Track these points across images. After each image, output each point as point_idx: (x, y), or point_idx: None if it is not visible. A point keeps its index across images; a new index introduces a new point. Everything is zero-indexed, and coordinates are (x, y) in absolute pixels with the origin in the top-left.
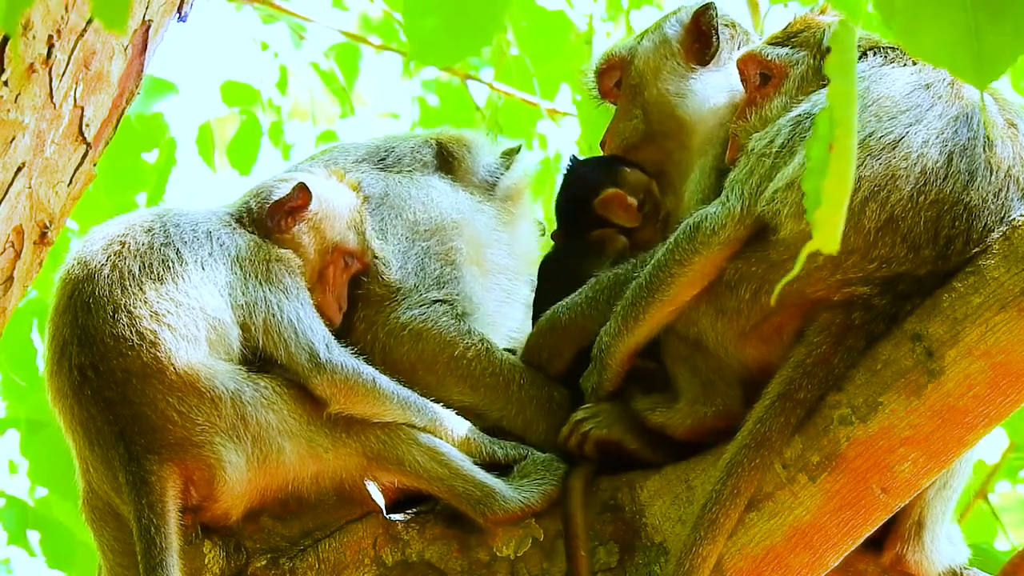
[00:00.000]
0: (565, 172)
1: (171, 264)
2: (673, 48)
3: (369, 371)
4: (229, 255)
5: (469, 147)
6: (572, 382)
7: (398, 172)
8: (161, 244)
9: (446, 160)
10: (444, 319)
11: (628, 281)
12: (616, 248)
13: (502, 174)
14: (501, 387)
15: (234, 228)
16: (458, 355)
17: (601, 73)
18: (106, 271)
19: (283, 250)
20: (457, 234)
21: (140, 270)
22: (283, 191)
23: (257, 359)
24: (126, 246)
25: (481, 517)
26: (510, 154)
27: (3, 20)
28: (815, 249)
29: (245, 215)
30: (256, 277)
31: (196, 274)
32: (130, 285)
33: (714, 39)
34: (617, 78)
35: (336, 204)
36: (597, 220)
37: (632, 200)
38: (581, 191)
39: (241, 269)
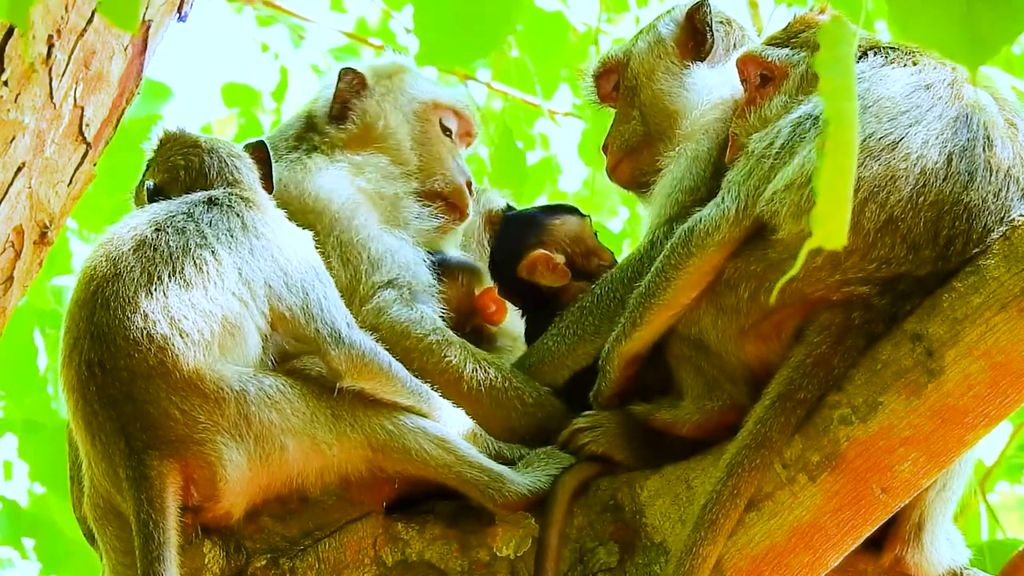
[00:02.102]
0: (496, 236)
1: (205, 266)
2: (667, 47)
3: (386, 355)
4: (270, 242)
5: (318, 98)
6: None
7: (277, 163)
8: (197, 245)
9: (311, 123)
10: (395, 307)
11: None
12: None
13: (337, 113)
14: (452, 381)
15: (259, 206)
16: (410, 346)
17: (598, 77)
18: (136, 273)
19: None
20: (353, 211)
21: (170, 275)
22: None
23: (274, 344)
24: (158, 251)
25: (491, 502)
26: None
27: (8, 13)
28: (817, 246)
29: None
30: (294, 263)
31: (231, 277)
32: (156, 289)
33: (709, 36)
34: (615, 81)
35: None
36: (530, 286)
37: (558, 258)
38: (504, 260)
39: (284, 257)
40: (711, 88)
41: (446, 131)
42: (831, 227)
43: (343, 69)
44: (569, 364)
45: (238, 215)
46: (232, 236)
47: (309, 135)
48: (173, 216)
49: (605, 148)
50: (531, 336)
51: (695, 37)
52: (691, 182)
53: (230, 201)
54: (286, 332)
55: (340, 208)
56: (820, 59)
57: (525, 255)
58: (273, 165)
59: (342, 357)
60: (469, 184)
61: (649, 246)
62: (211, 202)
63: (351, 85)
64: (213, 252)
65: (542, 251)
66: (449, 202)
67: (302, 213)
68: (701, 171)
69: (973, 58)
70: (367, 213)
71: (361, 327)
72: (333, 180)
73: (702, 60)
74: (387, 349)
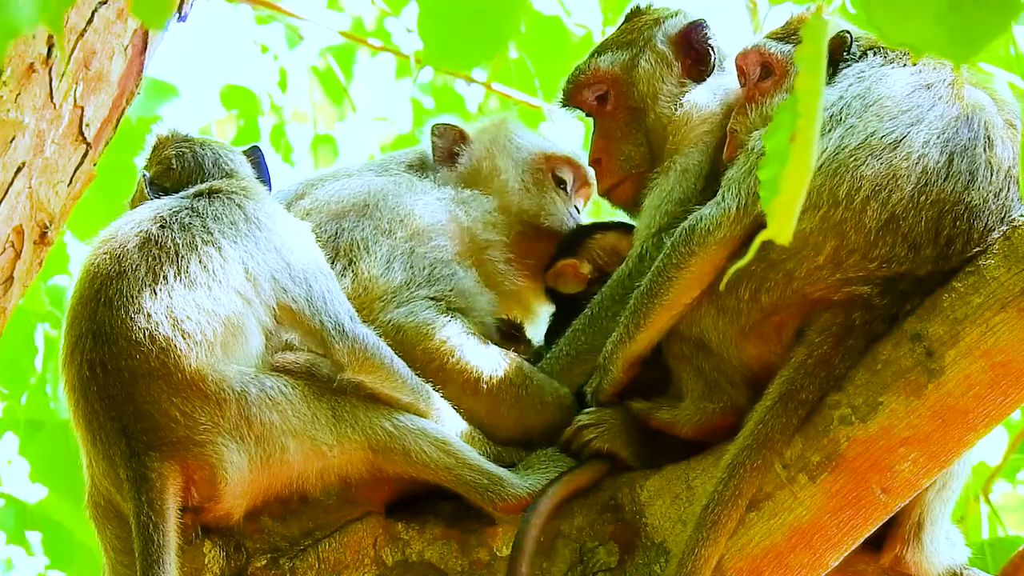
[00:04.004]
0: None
1: (210, 263)
2: (673, 68)
3: (388, 350)
4: (273, 233)
5: (432, 137)
6: None
7: (385, 176)
8: (203, 242)
9: (424, 157)
10: (427, 312)
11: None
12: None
13: (447, 155)
14: (471, 382)
15: (258, 197)
16: (432, 348)
17: (583, 86)
18: (141, 272)
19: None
20: (438, 233)
21: (175, 274)
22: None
23: (277, 340)
24: (164, 248)
25: (490, 505)
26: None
27: (45, 18)
28: (769, 238)
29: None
30: (296, 255)
31: (236, 275)
32: (160, 288)
33: (712, 55)
34: (601, 92)
35: None
36: (555, 290)
37: (584, 267)
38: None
39: (287, 249)
40: (699, 102)
41: (560, 183)
42: (783, 221)
43: (434, 125)
44: (568, 384)
45: (239, 206)
46: (236, 229)
47: (423, 165)
48: (177, 211)
49: (598, 162)
50: (551, 335)
51: (691, 55)
52: (681, 194)
53: (231, 190)
54: (291, 324)
55: (427, 226)
56: (801, 53)
57: (555, 263)
58: (268, 169)
59: (345, 350)
60: None
61: (638, 259)
62: (212, 193)
63: (444, 137)
64: (219, 248)
65: (571, 260)
66: (552, 244)
67: (389, 220)
68: (691, 184)
69: (959, 54)
70: (449, 242)
71: (387, 326)
72: (432, 203)
73: (703, 80)
74: (408, 350)
